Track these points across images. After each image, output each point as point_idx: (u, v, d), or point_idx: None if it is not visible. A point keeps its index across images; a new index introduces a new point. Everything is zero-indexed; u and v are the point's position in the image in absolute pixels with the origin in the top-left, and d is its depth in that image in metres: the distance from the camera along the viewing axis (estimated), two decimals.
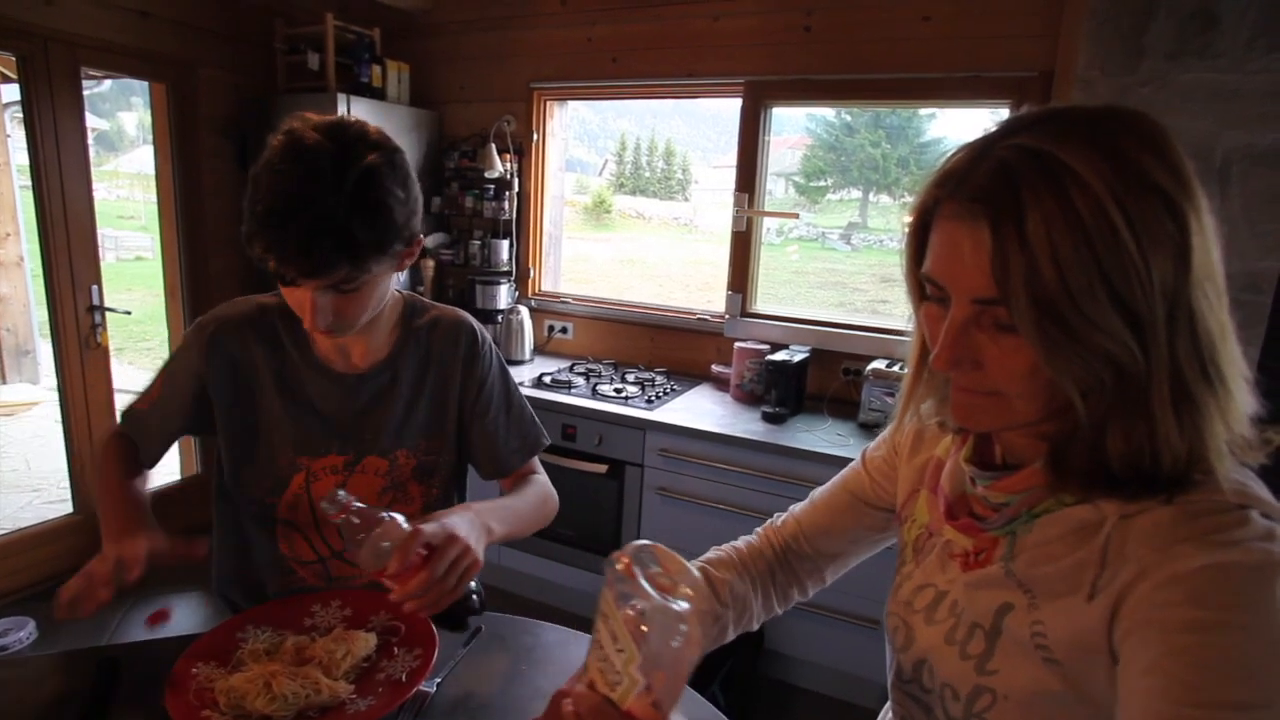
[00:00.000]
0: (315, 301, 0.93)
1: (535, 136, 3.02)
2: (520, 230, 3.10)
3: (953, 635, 0.67)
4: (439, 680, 0.92)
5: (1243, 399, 0.55)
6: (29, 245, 4.73)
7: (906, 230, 0.63)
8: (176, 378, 1.09)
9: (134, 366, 5.61)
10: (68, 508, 2.71)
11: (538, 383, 2.60)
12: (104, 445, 1.08)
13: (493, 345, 1.21)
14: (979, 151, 0.55)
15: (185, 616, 2.52)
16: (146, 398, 1.10)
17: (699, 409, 2.42)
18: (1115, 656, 0.55)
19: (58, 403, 2.59)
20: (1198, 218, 0.52)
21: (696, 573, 0.62)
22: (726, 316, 2.75)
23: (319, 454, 1.09)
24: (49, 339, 2.56)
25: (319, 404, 1.10)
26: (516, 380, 2.55)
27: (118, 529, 0.91)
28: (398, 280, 1.11)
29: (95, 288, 2.57)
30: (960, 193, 0.55)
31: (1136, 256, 0.50)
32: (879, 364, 2.31)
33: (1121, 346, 0.51)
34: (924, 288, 0.61)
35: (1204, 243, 0.53)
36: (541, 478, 1.20)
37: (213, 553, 1.22)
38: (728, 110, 2.73)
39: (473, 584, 0.88)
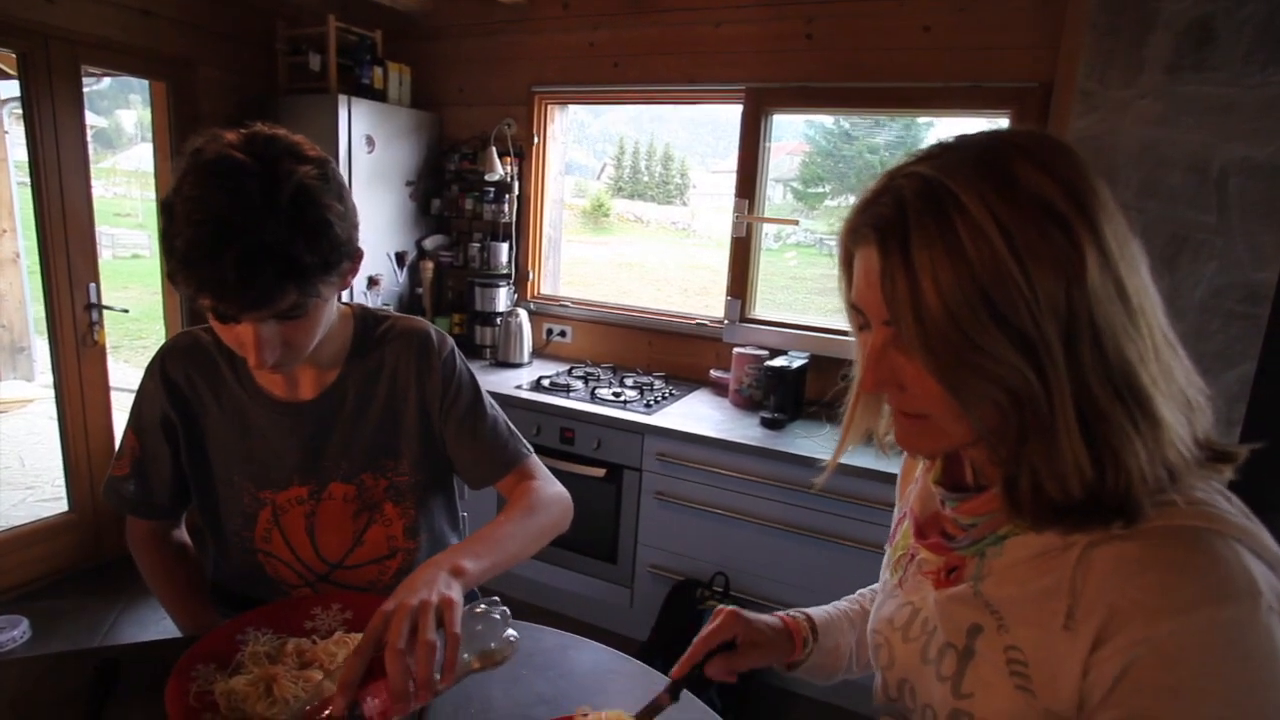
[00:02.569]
0: (260, 335, 0.86)
1: (536, 140, 3.03)
2: (520, 233, 3.11)
3: (926, 653, 0.68)
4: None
5: (1173, 422, 0.53)
6: (25, 242, 4.71)
7: (837, 258, 0.64)
8: (149, 428, 1.05)
9: (130, 365, 5.59)
10: (63, 505, 2.70)
11: (536, 386, 2.60)
12: (133, 543, 1.09)
13: (457, 352, 1.12)
14: (887, 180, 0.57)
15: None
16: (124, 462, 1.05)
17: (697, 414, 2.42)
18: (1083, 697, 0.55)
19: (54, 400, 2.58)
20: (1095, 238, 0.52)
21: None
22: (725, 321, 2.76)
23: (280, 487, 1.04)
24: (45, 336, 2.56)
25: (270, 437, 1.04)
26: (514, 383, 2.57)
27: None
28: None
29: (93, 285, 2.57)
30: (864, 221, 0.57)
31: (1019, 278, 0.50)
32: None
33: (1012, 370, 0.51)
34: (858, 315, 0.62)
35: (1104, 263, 0.52)
36: (537, 484, 1.09)
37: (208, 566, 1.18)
38: (726, 115, 2.74)
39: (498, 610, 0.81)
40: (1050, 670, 0.57)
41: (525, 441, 1.15)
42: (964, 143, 0.57)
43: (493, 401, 1.15)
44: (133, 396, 1.07)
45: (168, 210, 0.81)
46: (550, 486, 1.10)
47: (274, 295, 0.82)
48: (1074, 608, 0.55)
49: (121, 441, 1.07)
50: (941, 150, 0.57)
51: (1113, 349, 0.52)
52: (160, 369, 1.04)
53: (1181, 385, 0.55)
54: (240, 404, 1.04)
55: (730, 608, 0.83)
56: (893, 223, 0.54)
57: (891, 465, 1.98)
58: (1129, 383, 0.52)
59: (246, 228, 0.78)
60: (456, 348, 1.13)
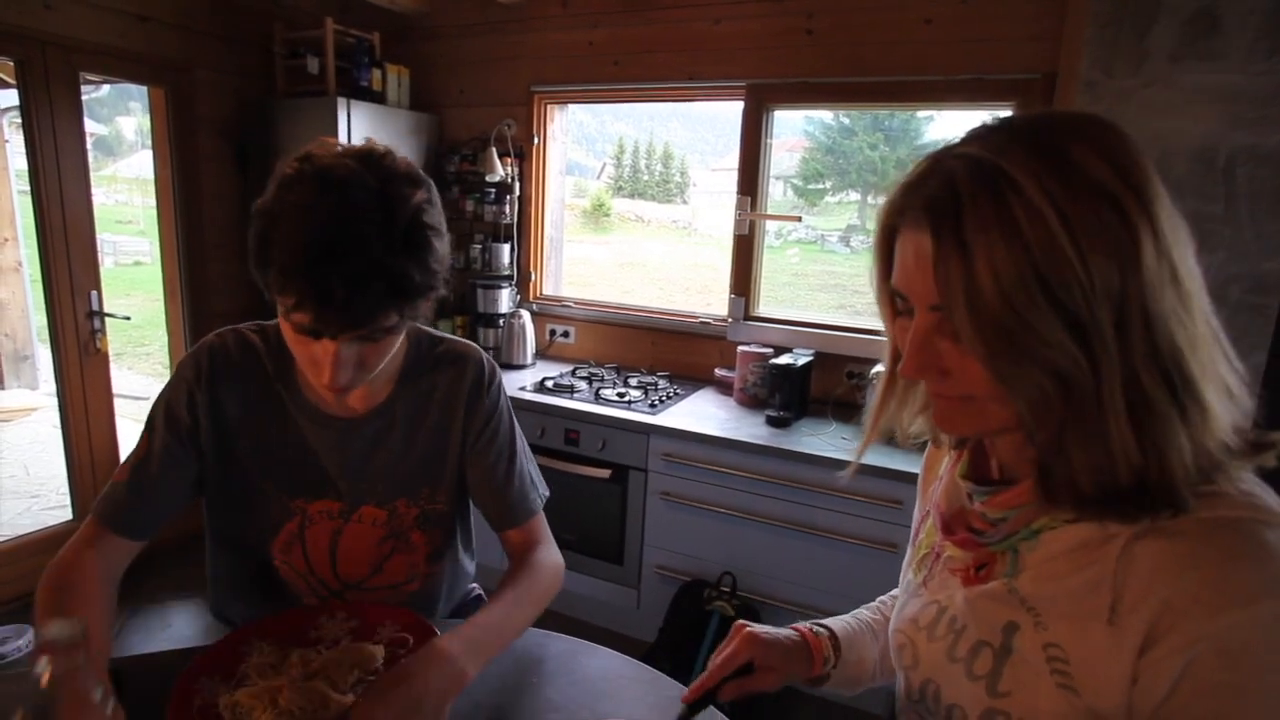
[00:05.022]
0: (340, 355, 0.82)
1: (536, 140, 3.01)
2: (521, 234, 3.09)
3: (954, 652, 0.66)
4: None
5: (1221, 410, 0.53)
6: (27, 251, 4.71)
7: (873, 243, 0.63)
8: (163, 427, 0.96)
9: (133, 372, 5.58)
10: (67, 514, 2.69)
11: (540, 387, 2.59)
12: (66, 569, 0.89)
13: (503, 387, 1.10)
14: (933, 162, 0.57)
15: (185, 625, 2.51)
16: (124, 469, 0.95)
17: (702, 413, 2.41)
18: (1137, 703, 0.54)
19: (57, 408, 2.58)
20: (1150, 222, 0.51)
21: None
22: (729, 320, 2.74)
23: (314, 497, 1.01)
24: (47, 344, 2.55)
25: (312, 447, 1.00)
26: (518, 384, 2.56)
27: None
28: None
29: (95, 293, 2.56)
30: (912, 203, 0.56)
31: (1075, 260, 0.50)
32: (883, 367, 2.30)
33: (1064, 354, 0.51)
34: (895, 301, 0.62)
35: (1158, 247, 0.51)
36: (542, 556, 1.05)
37: (208, 578, 1.12)
38: (726, 112, 2.73)
39: None
40: (1094, 667, 0.56)
41: (541, 489, 1.13)
42: (1012, 124, 0.56)
43: (524, 444, 1.12)
44: (139, 402, 1.04)
45: (268, 215, 0.78)
46: (552, 555, 1.08)
47: (376, 314, 0.79)
48: (1118, 602, 0.54)
49: (138, 445, 0.98)
50: (989, 132, 0.56)
51: (1163, 334, 0.51)
52: (204, 358, 0.97)
53: (1223, 373, 0.54)
54: (283, 411, 1.00)
55: (747, 629, 0.81)
56: (945, 204, 0.53)
57: (899, 462, 1.97)
58: (1178, 369, 0.52)
59: (360, 244, 0.75)
60: (503, 381, 1.11)
